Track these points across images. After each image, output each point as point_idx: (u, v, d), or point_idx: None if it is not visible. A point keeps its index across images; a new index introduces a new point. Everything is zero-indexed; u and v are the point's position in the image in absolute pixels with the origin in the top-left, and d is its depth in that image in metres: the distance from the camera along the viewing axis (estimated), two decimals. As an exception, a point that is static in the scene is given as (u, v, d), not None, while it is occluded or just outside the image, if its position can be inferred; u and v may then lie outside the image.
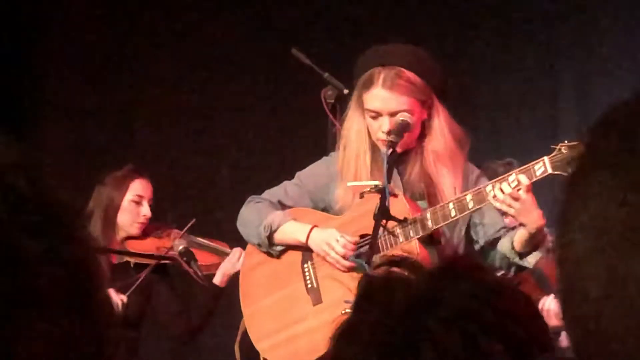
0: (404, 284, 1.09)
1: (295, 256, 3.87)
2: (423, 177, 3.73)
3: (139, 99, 6.60)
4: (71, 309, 0.95)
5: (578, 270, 0.92)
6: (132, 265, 4.81)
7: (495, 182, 3.58)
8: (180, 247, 4.71)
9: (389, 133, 3.62)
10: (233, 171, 6.42)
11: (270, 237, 3.83)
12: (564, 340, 4.38)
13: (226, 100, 6.49)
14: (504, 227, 3.76)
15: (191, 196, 6.17)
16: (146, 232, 4.87)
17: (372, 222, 3.53)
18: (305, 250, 3.84)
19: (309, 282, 3.85)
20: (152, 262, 4.73)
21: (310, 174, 3.89)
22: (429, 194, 3.73)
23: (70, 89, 6.49)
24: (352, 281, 3.70)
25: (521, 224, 3.61)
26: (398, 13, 6.26)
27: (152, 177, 4.95)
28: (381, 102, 3.65)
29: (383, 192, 3.52)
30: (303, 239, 3.80)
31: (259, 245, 3.89)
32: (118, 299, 4.58)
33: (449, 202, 3.62)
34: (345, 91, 3.90)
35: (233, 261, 4.71)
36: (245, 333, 3.93)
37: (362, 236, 3.75)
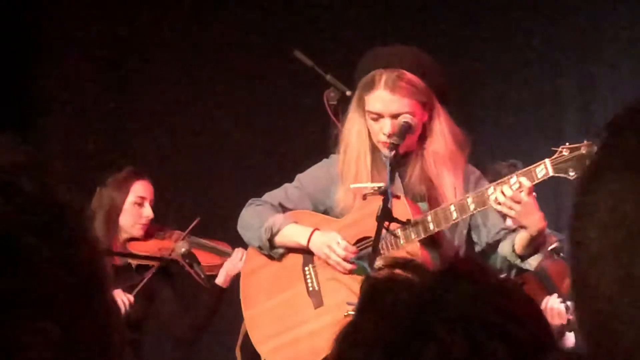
0: (407, 286, 1.09)
1: (296, 259, 3.87)
2: (424, 179, 3.73)
3: (140, 100, 6.60)
4: (76, 310, 0.95)
5: (592, 268, 0.92)
6: (134, 267, 4.81)
7: (496, 184, 3.58)
8: (183, 250, 4.72)
9: (390, 135, 3.62)
10: (235, 172, 6.42)
11: (271, 240, 3.83)
12: (568, 339, 4.39)
13: (228, 101, 6.48)
14: (504, 229, 3.76)
15: (193, 197, 6.17)
16: (148, 233, 4.88)
17: (373, 225, 3.53)
18: (306, 253, 3.84)
19: (310, 285, 3.84)
20: (155, 263, 4.74)
21: (311, 177, 3.89)
22: (430, 196, 3.73)
23: (70, 89, 6.49)
24: (353, 284, 3.71)
25: (522, 227, 3.61)
26: (400, 14, 6.26)
27: (153, 179, 4.95)
28: (383, 104, 3.65)
29: (386, 194, 3.52)
30: (304, 242, 3.80)
31: (260, 247, 3.89)
32: (125, 298, 4.59)
33: (450, 204, 3.62)
34: (348, 92, 3.90)
35: (235, 261, 4.72)
36: (246, 336, 3.93)
37: (363, 238, 3.75)
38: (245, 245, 4.16)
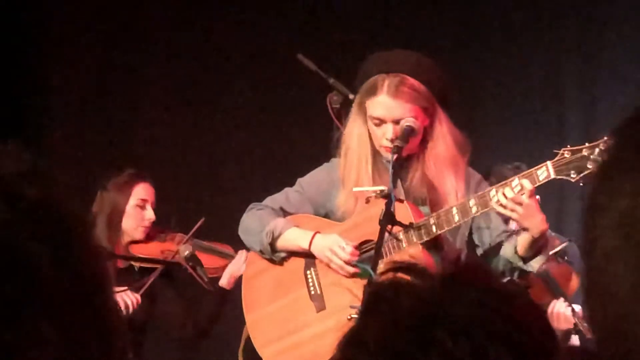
0: (411, 292, 1.09)
1: (298, 263, 3.87)
2: (425, 182, 3.73)
3: (142, 103, 6.60)
4: (78, 316, 0.96)
5: (605, 268, 0.91)
6: (136, 270, 4.82)
7: (498, 186, 3.58)
8: (186, 253, 4.72)
9: (394, 139, 3.61)
10: (236, 175, 6.41)
11: (272, 244, 3.83)
12: (574, 343, 4.39)
13: (230, 104, 6.48)
14: (506, 232, 3.77)
15: (195, 200, 6.17)
16: (150, 235, 4.88)
17: (375, 228, 3.52)
18: (308, 256, 3.83)
19: (312, 288, 3.84)
20: (159, 266, 4.74)
21: (312, 181, 3.89)
22: (431, 200, 3.73)
23: (73, 91, 6.49)
24: (355, 287, 3.71)
25: (524, 229, 3.62)
26: (401, 18, 6.26)
27: (155, 181, 4.96)
28: (385, 110, 3.65)
29: (388, 198, 3.52)
30: (306, 246, 3.80)
31: (262, 252, 3.88)
32: (133, 298, 4.60)
33: (452, 207, 3.62)
34: (351, 96, 3.90)
35: (238, 263, 4.72)
36: (248, 340, 3.92)
37: (365, 242, 3.75)
38: (247, 248, 4.16)
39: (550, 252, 4.10)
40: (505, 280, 3.79)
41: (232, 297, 4.68)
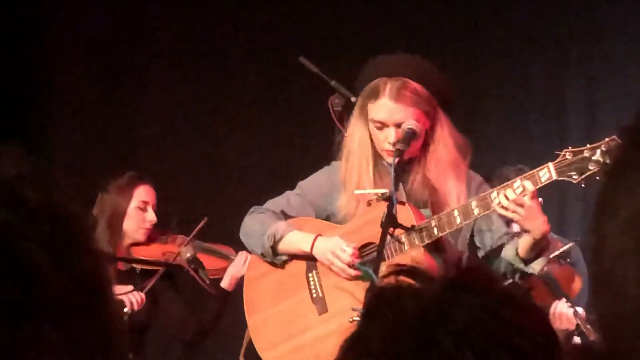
0: (413, 295, 1.09)
1: (300, 266, 3.86)
2: (426, 185, 3.73)
3: (144, 105, 6.60)
4: (79, 319, 0.96)
5: (614, 268, 0.91)
6: (137, 272, 4.82)
7: (500, 188, 3.58)
8: (188, 255, 4.72)
9: (395, 142, 3.61)
10: (238, 176, 6.42)
11: (274, 247, 3.82)
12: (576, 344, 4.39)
13: (231, 106, 6.49)
14: (508, 234, 3.76)
15: (196, 202, 6.16)
16: (151, 237, 4.88)
17: (377, 230, 3.52)
18: (309, 259, 3.83)
19: (314, 291, 3.84)
20: (160, 268, 4.74)
21: (312, 184, 3.89)
22: (432, 202, 3.73)
23: (75, 93, 6.49)
24: (357, 289, 3.70)
25: (526, 230, 3.61)
26: (403, 21, 6.26)
27: (157, 183, 4.96)
28: (387, 113, 3.65)
29: (390, 200, 3.51)
30: (307, 248, 3.79)
31: (263, 255, 3.88)
32: (138, 297, 4.60)
33: (454, 209, 3.62)
34: (353, 99, 3.90)
35: (239, 265, 4.73)
36: (250, 343, 3.92)
37: (366, 244, 3.75)
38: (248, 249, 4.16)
39: (554, 254, 4.09)
40: (507, 282, 3.79)
41: (233, 300, 4.68)
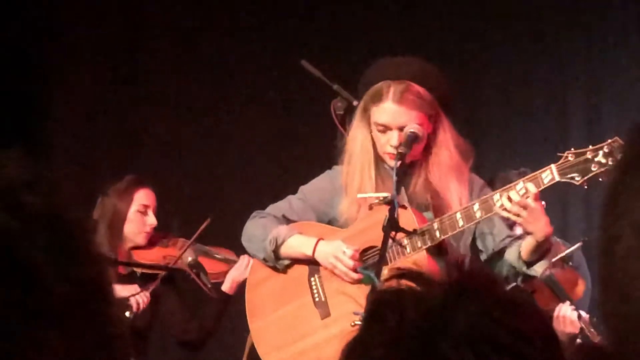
0: (414, 300, 1.08)
1: (302, 270, 3.85)
2: (428, 188, 3.72)
3: (146, 108, 6.61)
4: (81, 323, 0.96)
5: (624, 267, 0.91)
6: (138, 275, 4.82)
7: (502, 190, 3.58)
8: (190, 259, 4.72)
9: (398, 145, 3.61)
10: (239, 180, 6.42)
11: (276, 251, 3.82)
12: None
13: (232, 110, 6.49)
14: (510, 236, 3.76)
15: (197, 205, 6.16)
16: (152, 241, 4.89)
17: (379, 234, 3.51)
18: (311, 263, 3.82)
19: (316, 295, 3.83)
20: (162, 272, 4.74)
21: (314, 188, 3.88)
22: (434, 206, 3.73)
23: (76, 99, 6.50)
24: (360, 293, 3.70)
25: (528, 232, 3.61)
26: (406, 25, 6.26)
27: (158, 186, 4.96)
28: (390, 116, 3.65)
29: (392, 204, 3.51)
30: (309, 253, 3.79)
31: (265, 259, 3.87)
32: (144, 296, 4.60)
33: (456, 212, 3.62)
34: (355, 102, 3.90)
35: (241, 268, 4.73)
36: (252, 348, 3.91)
37: (369, 248, 3.74)
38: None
39: (559, 256, 4.09)
40: (510, 286, 3.79)
41: (235, 306, 4.67)
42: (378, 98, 3.66)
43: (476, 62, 6.21)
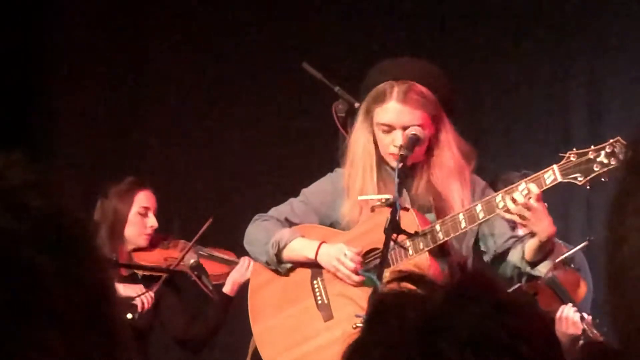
0: (415, 304, 1.08)
1: (304, 273, 3.85)
2: (430, 190, 3.72)
3: (147, 110, 6.61)
4: (83, 325, 0.96)
5: (632, 267, 0.90)
6: (139, 277, 4.82)
7: (504, 191, 3.58)
8: (191, 261, 4.72)
9: (400, 148, 3.60)
10: (240, 181, 6.41)
11: (278, 255, 3.81)
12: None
13: (235, 111, 6.49)
14: (513, 237, 3.75)
15: (198, 206, 6.16)
16: (152, 243, 4.89)
17: (381, 236, 3.50)
18: (314, 266, 3.81)
19: (319, 298, 3.83)
20: (162, 274, 4.75)
21: (316, 191, 3.88)
22: (437, 207, 3.72)
23: (79, 98, 6.50)
24: (363, 296, 3.69)
25: (532, 233, 3.61)
26: (407, 27, 6.26)
27: (160, 189, 4.96)
28: (395, 116, 3.64)
29: (394, 206, 3.51)
30: (312, 255, 3.78)
31: (267, 263, 3.87)
32: (149, 296, 4.61)
33: (458, 214, 3.61)
34: (357, 105, 3.90)
35: (242, 270, 4.73)
36: (256, 351, 3.91)
37: (371, 250, 3.74)
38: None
39: (562, 257, 4.09)
40: (512, 288, 3.79)
41: (237, 309, 4.67)
42: (381, 98, 3.66)
43: (477, 62, 6.21)
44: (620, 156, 3.41)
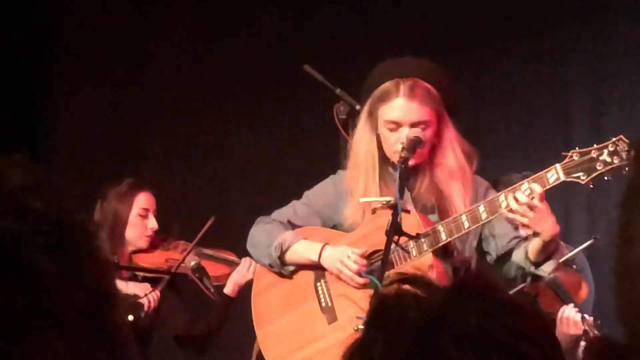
0: (415, 304, 1.09)
1: (308, 275, 3.85)
2: (433, 191, 3.71)
3: (149, 111, 6.61)
4: (85, 327, 0.96)
5: None
6: (140, 279, 4.82)
7: (507, 191, 3.57)
8: (192, 263, 4.72)
9: (402, 150, 3.60)
10: (242, 183, 6.41)
11: (281, 257, 3.81)
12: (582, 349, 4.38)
13: (236, 112, 6.49)
14: (516, 237, 3.74)
15: (199, 206, 6.16)
16: (153, 244, 4.89)
17: (383, 238, 3.49)
18: (317, 269, 3.81)
19: (323, 300, 3.82)
20: (164, 275, 4.75)
21: (318, 193, 3.87)
22: (440, 208, 3.72)
23: (80, 100, 6.51)
24: (366, 298, 3.68)
25: (535, 233, 3.60)
26: (408, 28, 6.26)
27: (160, 190, 4.96)
28: (402, 112, 3.63)
29: (395, 208, 3.50)
30: (315, 258, 3.78)
31: (270, 265, 3.87)
32: (155, 295, 4.61)
33: (461, 214, 3.61)
34: (358, 107, 3.90)
35: (243, 271, 4.74)
36: (260, 354, 3.91)
37: (373, 252, 3.74)
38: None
39: (566, 256, 4.08)
40: (517, 289, 3.79)
41: (240, 312, 4.66)
42: (387, 96, 3.65)
43: (477, 63, 6.20)
44: (623, 154, 3.40)
